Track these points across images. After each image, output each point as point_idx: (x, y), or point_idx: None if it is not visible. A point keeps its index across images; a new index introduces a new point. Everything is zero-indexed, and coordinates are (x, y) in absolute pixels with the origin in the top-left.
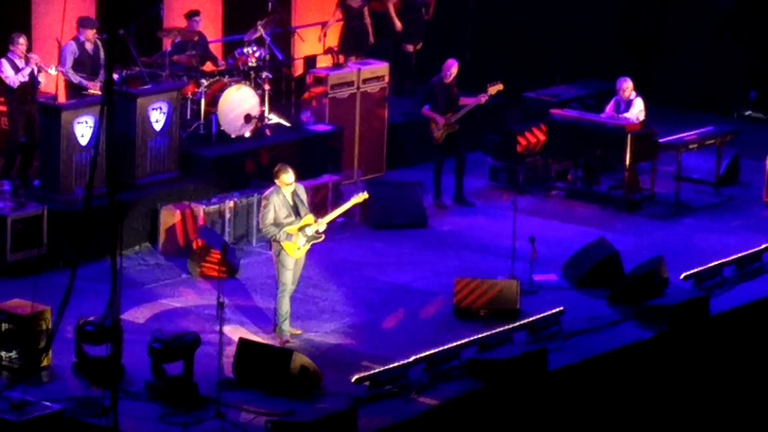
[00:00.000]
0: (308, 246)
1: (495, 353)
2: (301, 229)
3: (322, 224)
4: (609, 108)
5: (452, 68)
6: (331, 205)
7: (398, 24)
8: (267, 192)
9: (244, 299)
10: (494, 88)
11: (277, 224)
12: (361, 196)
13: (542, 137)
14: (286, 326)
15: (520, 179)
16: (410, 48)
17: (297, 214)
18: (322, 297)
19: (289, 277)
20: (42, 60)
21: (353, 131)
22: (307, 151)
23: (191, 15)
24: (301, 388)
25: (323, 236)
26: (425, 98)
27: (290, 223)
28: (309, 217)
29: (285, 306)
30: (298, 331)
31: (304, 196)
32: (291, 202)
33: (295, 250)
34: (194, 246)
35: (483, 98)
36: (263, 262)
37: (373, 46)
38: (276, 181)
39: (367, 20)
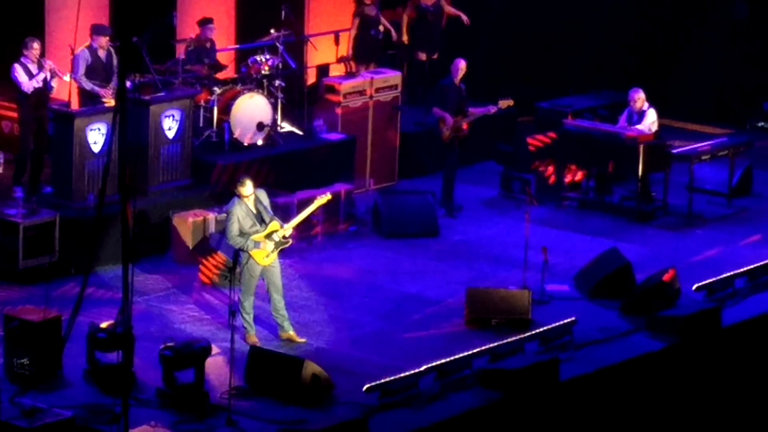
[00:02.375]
0: (277, 252)
1: (506, 363)
2: (268, 236)
3: (288, 229)
4: (622, 119)
5: (460, 66)
6: (343, 214)
7: (405, 37)
8: (228, 204)
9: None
10: (505, 103)
11: (243, 234)
12: (324, 198)
13: (549, 139)
14: (253, 330)
15: (532, 189)
16: (423, 57)
17: (261, 221)
18: (333, 305)
19: (253, 285)
20: (56, 66)
21: (366, 140)
22: (320, 159)
23: (204, 22)
24: (312, 397)
25: (290, 241)
26: (435, 100)
27: (256, 232)
28: (274, 224)
29: (251, 312)
30: (302, 339)
31: (266, 201)
32: (254, 211)
33: (263, 258)
34: (205, 253)
35: (492, 109)
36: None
37: (387, 54)
38: (236, 195)
39: (385, 24)
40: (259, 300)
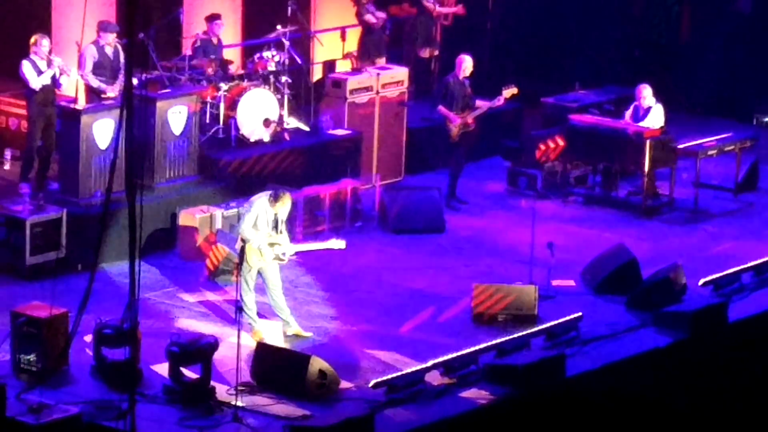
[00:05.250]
0: (268, 261)
1: (513, 358)
2: (271, 244)
3: (291, 250)
4: (628, 115)
5: (465, 63)
6: (350, 210)
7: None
8: (257, 198)
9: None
10: (509, 92)
11: (254, 229)
12: (339, 243)
13: (560, 145)
14: (258, 326)
15: (538, 185)
16: (425, 53)
17: (275, 226)
18: (339, 301)
19: (251, 281)
20: (65, 64)
21: (372, 136)
22: (326, 155)
23: (212, 18)
24: (318, 392)
25: (286, 260)
26: (440, 97)
27: (265, 233)
28: (283, 238)
29: (253, 308)
30: (308, 333)
31: (287, 212)
32: (273, 216)
33: (254, 258)
34: (212, 249)
35: (500, 100)
36: (283, 266)
37: (392, 51)
38: (271, 198)
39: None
40: (264, 296)
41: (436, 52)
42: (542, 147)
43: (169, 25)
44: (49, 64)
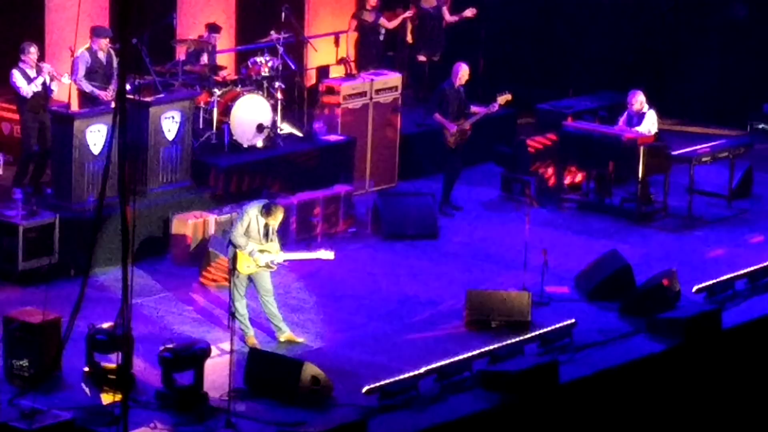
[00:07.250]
0: (257, 268)
1: (506, 365)
2: (261, 251)
3: (280, 258)
4: (621, 121)
5: (461, 71)
6: (343, 215)
7: (409, 37)
8: (250, 206)
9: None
10: (503, 98)
11: (246, 236)
12: (328, 254)
13: (550, 141)
14: (251, 332)
15: (532, 191)
16: (423, 58)
17: (266, 234)
18: (332, 307)
19: (242, 287)
20: (54, 69)
21: (365, 141)
22: (319, 161)
23: (213, 29)
24: (311, 398)
25: (275, 268)
26: (436, 104)
27: (258, 242)
28: (273, 246)
29: (245, 314)
30: (301, 339)
31: (279, 221)
32: (264, 225)
33: (246, 266)
34: (205, 255)
35: (494, 107)
36: (275, 272)
37: (387, 56)
38: (263, 210)
39: (386, 25)
40: (256, 302)
41: (436, 57)
42: (533, 146)
43: (162, 30)
44: (39, 71)
